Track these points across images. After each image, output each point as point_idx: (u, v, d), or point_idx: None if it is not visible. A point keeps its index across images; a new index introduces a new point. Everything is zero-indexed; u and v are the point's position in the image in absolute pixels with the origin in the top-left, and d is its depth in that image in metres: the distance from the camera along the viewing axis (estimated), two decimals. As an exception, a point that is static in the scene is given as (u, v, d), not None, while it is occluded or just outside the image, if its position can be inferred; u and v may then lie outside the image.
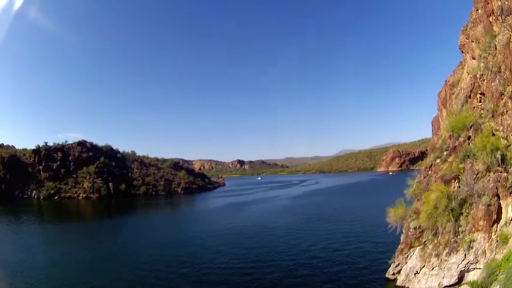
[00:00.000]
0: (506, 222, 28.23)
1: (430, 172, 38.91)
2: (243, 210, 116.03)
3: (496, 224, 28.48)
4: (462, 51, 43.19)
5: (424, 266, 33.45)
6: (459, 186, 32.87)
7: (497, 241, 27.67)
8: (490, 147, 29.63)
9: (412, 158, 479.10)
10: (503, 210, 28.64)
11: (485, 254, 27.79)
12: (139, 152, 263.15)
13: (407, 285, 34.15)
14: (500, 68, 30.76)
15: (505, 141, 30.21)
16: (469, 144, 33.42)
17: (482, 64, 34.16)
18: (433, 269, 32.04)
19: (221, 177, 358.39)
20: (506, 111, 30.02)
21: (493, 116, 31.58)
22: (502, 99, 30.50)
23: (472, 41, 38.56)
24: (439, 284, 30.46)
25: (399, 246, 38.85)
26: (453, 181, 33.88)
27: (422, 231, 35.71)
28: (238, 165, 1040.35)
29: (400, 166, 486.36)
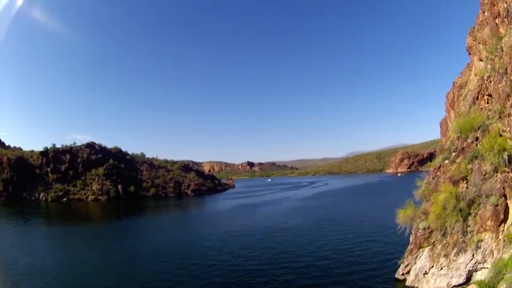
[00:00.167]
0: (513, 222, 28.86)
1: (438, 173, 39.57)
2: (253, 212, 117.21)
3: (503, 224, 29.18)
4: (469, 53, 43.83)
5: (433, 266, 34.13)
6: (467, 187, 33.53)
7: (504, 241, 28.37)
8: (497, 148, 30.32)
9: (420, 159, 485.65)
10: (510, 210, 29.36)
11: (493, 254, 28.51)
12: (149, 154, 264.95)
13: (416, 285, 34.87)
14: (506, 69, 31.45)
15: (512, 142, 30.81)
16: (476, 145, 34.09)
17: (489, 66, 34.84)
18: (441, 269, 32.72)
19: (231, 179, 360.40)
20: (513, 112, 30.65)
21: (500, 117, 32.26)
22: (509, 100, 31.18)
23: (479, 43, 39.22)
24: (447, 284, 31.20)
25: (408, 247, 39.57)
26: (461, 182, 34.54)
27: (431, 231, 36.38)
28: (248, 167, 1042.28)
29: (409, 167, 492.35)
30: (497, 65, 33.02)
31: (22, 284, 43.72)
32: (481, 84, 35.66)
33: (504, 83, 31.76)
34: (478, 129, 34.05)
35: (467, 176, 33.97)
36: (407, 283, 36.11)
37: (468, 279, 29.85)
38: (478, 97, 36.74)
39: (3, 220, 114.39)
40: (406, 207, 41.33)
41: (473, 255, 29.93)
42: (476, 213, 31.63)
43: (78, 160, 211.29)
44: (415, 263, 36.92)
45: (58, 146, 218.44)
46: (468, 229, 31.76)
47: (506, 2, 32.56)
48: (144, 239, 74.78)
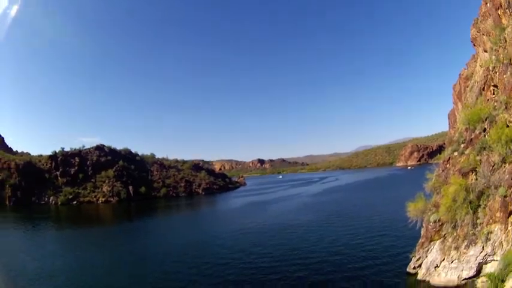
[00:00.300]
0: (522, 213, 29.02)
1: (448, 165, 39.79)
2: (265, 209, 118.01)
3: (512, 215, 29.29)
4: (474, 45, 43.84)
5: (444, 260, 34.44)
6: (476, 179, 33.77)
7: (513, 232, 28.51)
8: (504, 139, 30.52)
9: (430, 152, 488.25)
10: (519, 201, 29.40)
11: (502, 246, 28.80)
12: (159, 155, 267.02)
13: (427, 278, 35.19)
14: (511, 60, 31.56)
15: (519, 132, 30.90)
16: (484, 136, 34.29)
17: (493, 57, 34.96)
18: (452, 262, 33.05)
19: (242, 177, 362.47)
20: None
21: (506, 107, 32.45)
22: (515, 90, 31.25)
23: (483, 34, 39.25)
24: (458, 277, 31.55)
25: (420, 240, 39.89)
26: (471, 173, 34.78)
27: (442, 224, 36.65)
28: (259, 165, 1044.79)
29: (419, 160, 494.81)
30: (502, 55, 33.16)
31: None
32: (487, 75, 35.79)
33: (509, 73, 31.91)
34: (486, 120, 34.24)
35: (476, 167, 34.19)
36: (419, 277, 36.46)
37: (478, 271, 30.19)
38: (484, 88, 36.86)
39: (12, 225, 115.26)
40: (416, 200, 41.64)
41: (483, 247, 30.23)
42: (485, 204, 31.89)
43: (88, 163, 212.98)
44: (426, 256, 37.24)
45: (67, 149, 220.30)
46: (478, 221, 32.04)
47: (507, -7, 32.67)
48: (155, 239, 75.74)
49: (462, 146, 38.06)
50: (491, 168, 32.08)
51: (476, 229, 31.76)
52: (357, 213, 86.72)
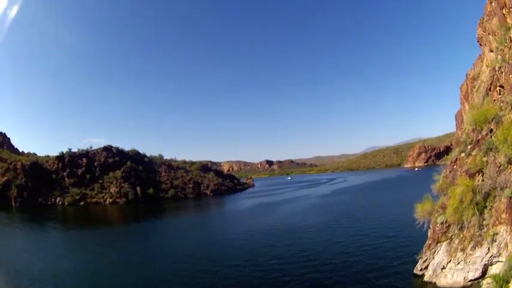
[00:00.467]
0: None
1: (455, 166, 39.99)
2: (273, 211, 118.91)
3: (518, 217, 29.43)
4: (480, 44, 43.96)
5: (450, 261, 34.70)
6: (483, 180, 33.98)
7: (518, 233, 28.68)
8: (510, 140, 30.72)
9: (437, 153, 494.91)
10: (525, 203, 29.55)
11: (507, 247, 29.01)
12: (167, 156, 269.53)
13: (434, 280, 35.45)
14: (516, 60, 31.64)
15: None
16: (491, 137, 34.45)
17: (499, 57, 35.11)
18: (458, 263, 33.29)
19: (250, 178, 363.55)
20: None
21: (512, 108, 32.47)
22: (521, 91, 31.39)
23: (489, 34, 39.38)
24: (464, 279, 31.80)
25: (427, 242, 40.16)
26: (477, 175, 34.98)
27: (449, 225, 36.87)
28: (267, 166, 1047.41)
29: (426, 161, 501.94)
30: (507, 55, 33.32)
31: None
32: (493, 76, 35.94)
33: (515, 73, 32.01)
34: (492, 121, 34.40)
35: (482, 168, 34.40)
36: (426, 278, 36.73)
37: (484, 273, 30.41)
38: (490, 88, 37.01)
39: (18, 225, 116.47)
40: (424, 202, 41.88)
41: (488, 248, 30.44)
42: (491, 206, 32.09)
43: (95, 164, 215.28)
44: (433, 258, 37.46)
45: (74, 150, 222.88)
46: (484, 222, 32.26)
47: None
48: (163, 241, 76.57)
49: (469, 147, 38.24)
50: (497, 169, 32.26)
51: (483, 230, 31.98)
52: (364, 215, 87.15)
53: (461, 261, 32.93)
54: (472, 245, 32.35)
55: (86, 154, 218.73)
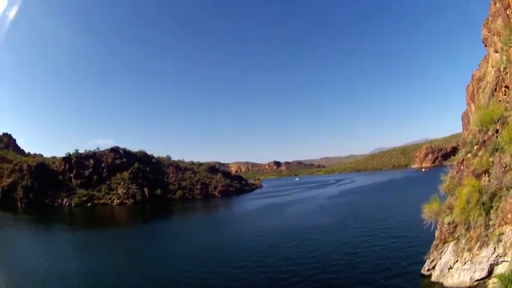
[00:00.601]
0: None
1: (462, 167, 40.46)
2: (281, 211, 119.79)
3: (523, 217, 29.87)
4: (485, 45, 44.34)
5: (457, 261, 35.20)
6: (489, 180, 34.43)
7: (524, 233, 29.12)
8: (516, 140, 31.01)
9: (444, 154, 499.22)
10: (530, 203, 29.98)
11: (513, 247, 29.30)
12: (175, 157, 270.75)
13: (441, 280, 35.98)
14: (521, 61, 32.05)
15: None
16: (497, 137, 34.84)
17: (504, 57, 35.50)
18: (465, 263, 33.78)
19: (258, 179, 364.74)
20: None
21: (517, 108, 32.90)
22: (526, 91, 31.80)
23: (494, 35, 39.80)
24: (470, 278, 32.29)
25: (434, 242, 40.71)
26: (484, 175, 35.44)
27: (456, 226, 37.38)
28: (275, 167, 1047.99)
29: (433, 162, 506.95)
30: (512, 56, 33.72)
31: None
32: (498, 76, 36.37)
33: (519, 74, 32.43)
34: (498, 121, 34.87)
35: (489, 169, 34.86)
36: (433, 279, 37.27)
37: (490, 273, 30.88)
38: (496, 89, 37.44)
39: (24, 226, 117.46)
40: (431, 202, 42.38)
41: (494, 248, 30.90)
42: (497, 206, 32.54)
43: (103, 165, 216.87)
44: (440, 258, 37.97)
45: (81, 151, 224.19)
46: (490, 222, 32.71)
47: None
48: (171, 242, 77.41)
49: (475, 147, 38.71)
50: (503, 169, 32.69)
51: (489, 230, 32.44)
52: (372, 215, 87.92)
53: (468, 261, 33.42)
54: (478, 245, 32.84)
55: (93, 155, 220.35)
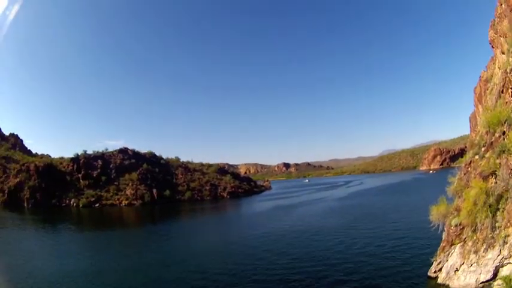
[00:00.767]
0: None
1: (469, 169, 40.63)
2: (290, 213, 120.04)
3: (529, 219, 30.04)
4: (492, 46, 44.45)
5: (463, 263, 35.40)
6: (496, 182, 34.54)
7: (529, 235, 29.29)
8: (522, 142, 31.18)
9: (452, 156, 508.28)
10: (536, 205, 30.14)
11: (518, 249, 29.48)
12: (184, 158, 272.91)
13: (447, 282, 36.22)
14: (527, 62, 32.19)
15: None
16: (504, 139, 34.95)
17: (510, 59, 35.63)
18: (471, 265, 33.98)
19: (267, 181, 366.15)
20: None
21: (523, 110, 33.03)
22: (532, 93, 31.93)
23: (500, 36, 39.89)
24: (476, 280, 32.50)
25: (441, 244, 41.00)
26: (491, 177, 35.60)
27: (463, 228, 37.61)
28: (284, 168, 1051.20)
29: (442, 164, 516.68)
30: (518, 58, 33.85)
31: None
32: (505, 78, 36.49)
33: (526, 76, 32.57)
34: (505, 123, 34.99)
35: (496, 170, 35.00)
36: (439, 281, 37.54)
37: (495, 275, 31.05)
38: (503, 90, 37.55)
39: (30, 227, 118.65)
40: (439, 204, 42.60)
41: (500, 250, 31.08)
42: (504, 208, 32.68)
43: (111, 166, 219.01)
44: (447, 260, 38.22)
45: (89, 152, 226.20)
46: (497, 224, 32.87)
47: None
48: (180, 242, 77.89)
49: (483, 149, 38.86)
50: (510, 171, 32.83)
51: (495, 232, 32.62)
52: (381, 217, 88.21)
53: (474, 263, 33.64)
54: (484, 247, 33.04)
55: (102, 156, 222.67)
